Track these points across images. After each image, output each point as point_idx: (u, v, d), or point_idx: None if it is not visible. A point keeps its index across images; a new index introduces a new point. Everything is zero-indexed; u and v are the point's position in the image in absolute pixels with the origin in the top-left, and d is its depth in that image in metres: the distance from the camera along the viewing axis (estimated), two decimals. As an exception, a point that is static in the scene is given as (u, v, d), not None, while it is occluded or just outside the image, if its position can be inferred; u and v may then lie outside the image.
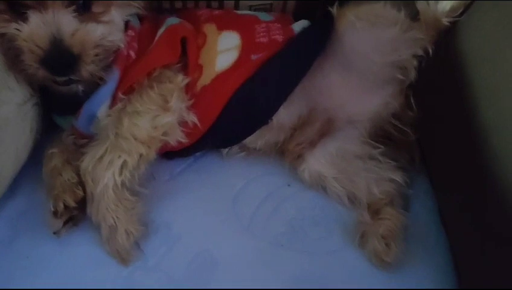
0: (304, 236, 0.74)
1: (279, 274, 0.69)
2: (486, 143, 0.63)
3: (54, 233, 0.67)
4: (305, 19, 0.84)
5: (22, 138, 0.69)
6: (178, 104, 0.70)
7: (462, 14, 0.76)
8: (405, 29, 0.76)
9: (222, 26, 0.78)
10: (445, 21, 0.76)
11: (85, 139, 0.74)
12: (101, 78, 0.68)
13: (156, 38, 0.74)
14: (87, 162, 0.67)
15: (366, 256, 0.71)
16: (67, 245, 0.68)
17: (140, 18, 0.77)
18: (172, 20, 0.77)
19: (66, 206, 0.66)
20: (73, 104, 0.70)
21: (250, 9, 0.87)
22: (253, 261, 0.70)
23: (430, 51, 0.76)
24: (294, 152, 0.80)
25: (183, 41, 0.74)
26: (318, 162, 0.79)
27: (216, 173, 0.80)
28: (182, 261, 0.68)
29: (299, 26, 0.81)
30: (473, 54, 0.71)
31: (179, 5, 0.86)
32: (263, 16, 0.83)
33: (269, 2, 0.87)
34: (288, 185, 0.80)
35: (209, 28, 0.78)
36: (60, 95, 0.69)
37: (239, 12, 0.85)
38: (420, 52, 0.76)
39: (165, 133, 0.69)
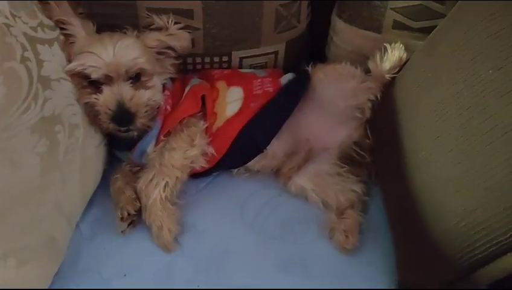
0: (291, 231, 1.03)
1: (273, 258, 0.98)
2: (416, 163, 0.92)
3: (121, 232, 1.00)
4: (291, 71, 1.16)
5: (98, 168, 1.03)
6: (201, 141, 1.02)
7: (398, 71, 1.07)
8: (361, 80, 1.08)
9: (230, 83, 1.10)
10: (388, 76, 1.08)
11: (137, 167, 1.07)
12: (149, 126, 1.01)
13: (184, 94, 1.06)
14: (141, 183, 0.99)
15: (334, 244, 1.01)
16: (130, 239, 1.00)
17: (172, 78, 1.10)
18: (195, 81, 1.09)
19: (128, 214, 0.99)
20: (130, 143, 1.03)
21: (250, 67, 1.18)
22: (255, 249, 1.00)
23: (379, 96, 1.07)
24: (287, 174, 1.11)
25: (203, 97, 1.06)
26: (301, 179, 1.10)
27: (228, 187, 1.11)
28: (206, 249, 0.99)
29: (286, 78, 1.13)
30: (403, 99, 1.01)
31: (198, 60, 1.17)
32: (259, 73, 1.15)
33: (264, 61, 1.18)
34: (280, 195, 1.11)
35: (221, 85, 1.10)
36: (121, 138, 1.01)
37: (242, 70, 1.16)
38: (372, 98, 1.08)
39: (192, 162, 1.02)
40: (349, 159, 1.12)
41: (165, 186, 0.98)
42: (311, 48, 1.27)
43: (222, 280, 0.95)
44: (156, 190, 0.98)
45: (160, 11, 1.05)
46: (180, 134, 1.01)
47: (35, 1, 0.95)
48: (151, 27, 1.06)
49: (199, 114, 1.05)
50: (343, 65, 1.10)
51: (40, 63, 0.88)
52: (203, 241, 1.01)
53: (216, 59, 1.15)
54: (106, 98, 0.95)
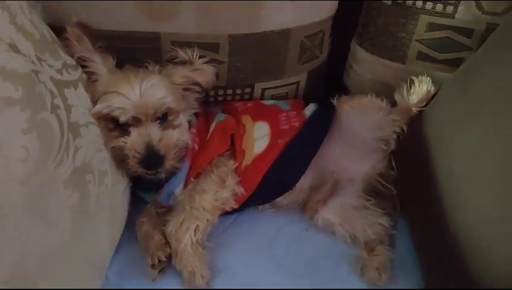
0: (320, 268, 1.02)
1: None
2: (454, 203, 0.92)
3: (152, 280, 0.96)
4: (311, 100, 1.14)
5: (124, 213, 0.98)
6: (232, 182, 0.99)
7: (426, 105, 1.06)
8: (387, 113, 1.07)
9: (256, 118, 1.07)
10: (415, 110, 1.07)
11: (163, 209, 1.03)
12: (177, 168, 0.97)
13: (211, 131, 1.03)
14: (171, 228, 0.95)
15: (365, 281, 1.01)
16: (160, 286, 0.96)
17: (195, 113, 1.05)
18: (220, 117, 1.05)
19: (159, 260, 0.95)
20: (157, 185, 0.99)
21: (271, 98, 1.15)
22: (279, 285, 0.97)
23: (405, 128, 1.07)
24: (313, 208, 1.09)
25: (232, 135, 1.02)
26: (328, 212, 1.08)
27: (254, 224, 1.09)
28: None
29: (309, 110, 1.11)
30: (434, 135, 1.01)
31: (221, 92, 1.13)
32: (283, 105, 1.12)
33: (286, 91, 1.15)
34: (306, 230, 1.09)
35: (246, 120, 1.07)
36: (148, 180, 0.97)
37: (265, 102, 1.13)
38: (398, 130, 1.07)
39: (223, 203, 0.98)
40: (374, 192, 1.11)
41: (195, 230, 0.95)
42: (329, 76, 1.25)
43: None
44: (186, 234, 0.94)
45: (184, 45, 1.00)
46: (210, 175, 0.98)
47: (56, 39, 0.89)
48: (175, 61, 1.02)
49: (228, 152, 1.02)
50: (370, 98, 1.09)
51: (68, 109, 0.83)
52: (234, 283, 0.98)
53: (238, 91, 1.12)
54: (134, 141, 0.91)
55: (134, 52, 1.01)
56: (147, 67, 1.01)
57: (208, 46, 1.01)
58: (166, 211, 1.02)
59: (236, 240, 1.05)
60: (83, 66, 0.93)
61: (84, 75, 0.92)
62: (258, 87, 1.12)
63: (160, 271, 0.96)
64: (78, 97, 0.87)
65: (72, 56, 0.91)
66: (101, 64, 0.94)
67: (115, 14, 0.95)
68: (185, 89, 1.01)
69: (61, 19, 0.93)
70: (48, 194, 0.75)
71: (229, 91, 1.12)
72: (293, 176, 1.05)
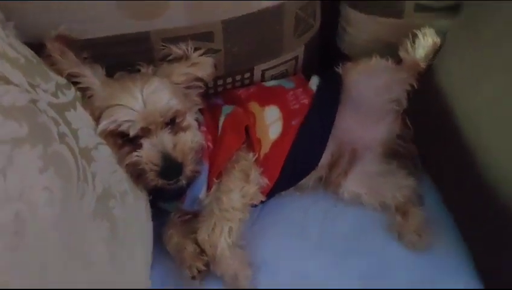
0: (359, 241, 1.00)
1: (354, 272, 0.95)
2: (466, 146, 0.91)
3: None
4: (310, 73, 1.09)
5: (150, 227, 0.91)
6: (255, 175, 0.94)
7: (433, 58, 1.03)
8: (394, 72, 1.03)
9: (263, 103, 1.01)
10: (423, 64, 1.04)
11: (188, 215, 0.97)
12: (197, 172, 0.90)
13: (220, 125, 0.96)
14: (203, 234, 0.90)
15: (406, 245, 0.99)
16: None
17: (200, 110, 0.99)
18: (227, 109, 0.99)
19: (198, 271, 0.90)
20: (178, 193, 0.92)
21: (271, 78, 1.09)
22: (333, 268, 0.96)
23: (415, 85, 1.04)
24: (335, 182, 1.05)
25: (246, 127, 0.96)
26: (352, 184, 1.05)
27: (281, 211, 1.05)
28: (285, 283, 0.93)
29: (313, 83, 1.06)
30: (448, 86, 0.98)
31: (220, 82, 1.06)
32: (286, 84, 1.06)
33: (285, 68, 1.09)
34: (335, 206, 1.06)
35: (254, 106, 1.01)
36: (169, 190, 0.90)
37: (267, 84, 1.07)
38: (408, 88, 1.04)
39: (251, 199, 0.93)
40: (393, 154, 1.09)
41: (229, 232, 0.90)
42: (323, 45, 1.19)
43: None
44: (221, 238, 0.89)
45: (177, 40, 0.92)
46: (232, 172, 0.92)
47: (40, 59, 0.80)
48: (169, 58, 0.94)
49: (244, 145, 0.96)
50: (374, 60, 1.04)
51: (75, 134, 0.75)
52: (279, 276, 0.95)
53: (238, 77, 1.05)
54: (149, 153, 0.84)
55: (123, 56, 0.92)
56: (139, 70, 0.93)
57: (201, 37, 0.94)
58: (192, 217, 0.97)
59: (267, 231, 1.01)
60: (74, 83, 0.84)
61: (78, 93, 0.83)
62: (258, 69, 1.05)
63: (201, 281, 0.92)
64: (80, 118, 0.79)
65: (60, 74, 0.82)
66: (92, 77, 0.86)
67: (96, 19, 0.86)
68: (187, 87, 0.93)
69: (38, 36, 0.83)
70: (80, 231, 0.69)
71: (229, 80, 1.05)
72: (314, 156, 1.01)
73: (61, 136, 0.70)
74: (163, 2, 0.87)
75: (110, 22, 0.88)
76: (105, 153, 0.81)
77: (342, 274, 0.95)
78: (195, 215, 0.96)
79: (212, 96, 1.06)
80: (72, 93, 0.81)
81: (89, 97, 0.85)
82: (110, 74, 0.90)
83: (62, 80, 0.81)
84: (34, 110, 0.67)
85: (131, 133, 0.83)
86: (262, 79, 1.08)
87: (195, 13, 0.90)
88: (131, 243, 0.81)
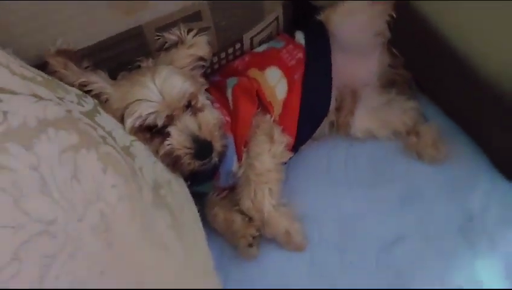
0: (385, 171, 1.06)
1: (381, 202, 1.01)
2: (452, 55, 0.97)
3: (255, 257, 0.94)
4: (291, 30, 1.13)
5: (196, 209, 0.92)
6: (278, 134, 0.97)
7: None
8: (372, 8, 1.08)
9: (261, 67, 1.04)
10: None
11: (225, 191, 1.00)
12: (225, 146, 0.92)
13: (230, 98, 0.99)
14: (247, 202, 0.93)
15: (427, 161, 1.05)
16: (263, 260, 0.96)
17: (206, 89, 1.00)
18: (231, 81, 1.01)
19: (253, 237, 0.93)
20: (211, 172, 0.94)
21: (259, 44, 1.12)
22: (363, 201, 1.02)
23: (393, 14, 1.09)
24: (344, 123, 1.10)
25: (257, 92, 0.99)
26: (361, 121, 1.10)
27: (306, 162, 1.09)
28: (334, 227, 0.99)
29: (300, 38, 1.10)
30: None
31: (215, 59, 1.08)
32: (276, 44, 1.09)
33: (269, 31, 1.12)
34: (352, 145, 1.11)
35: (254, 72, 1.03)
36: (202, 171, 0.91)
37: (259, 49, 1.10)
38: (388, 18, 1.09)
39: (281, 158, 0.97)
40: (390, 84, 1.14)
41: (270, 194, 0.93)
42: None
43: (366, 236, 0.97)
44: (264, 201, 0.93)
45: (168, 27, 0.93)
46: (256, 137, 0.95)
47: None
48: (165, 47, 0.95)
49: (259, 110, 0.99)
50: (350, 1, 1.09)
51: (112, 136, 0.76)
52: (325, 223, 1.00)
53: (230, 50, 1.07)
54: (179, 139, 0.85)
55: (121, 56, 0.93)
56: (139, 66, 0.93)
57: (190, 18, 0.95)
58: (229, 192, 0.99)
59: (300, 184, 1.06)
60: (86, 92, 0.84)
61: (95, 100, 0.84)
62: (246, 38, 1.08)
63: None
64: (109, 121, 0.80)
65: (72, 86, 0.82)
66: (101, 81, 0.86)
67: (89, 25, 0.86)
68: (191, 69, 0.95)
69: (37, 56, 0.83)
70: (150, 220, 0.70)
71: (222, 54, 1.07)
72: (323, 102, 1.06)
73: (103, 138, 0.71)
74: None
75: (103, 25, 0.88)
76: (140, 148, 0.82)
77: (380, 205, 1.01)
78: (232, 189, 0.99)
79: (210, 76, 1.07)
80: (90, 100, 0.81)
81: (105, 102, 0.85)
82: (112, 76, 0.90)
83: (78, 91, 0.81)
84: (73, 119, 0.68)
85: (159, 123, 0.84)
86: (252, 47, 1.11)
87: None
88: (190, 228, 0.83)
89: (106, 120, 0.79)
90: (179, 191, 0.85)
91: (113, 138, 0.75)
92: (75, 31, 0.86)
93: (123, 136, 0.79)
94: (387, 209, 1.01)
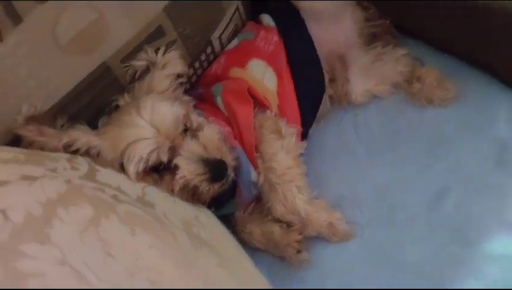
0: (398, 130, 1.00)
1: (406, 162, 0.95)
2: None
3: (307, 262, 0.87)
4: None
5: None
6: (285, 127, 0.89)
7: None
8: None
9: (241, 64, 0.96)
10: None
11: (250, 205, 0.92)
12: (237, 158, 0.84)
13: (222, 106, 0.90)
14: (278, 208, 0.86)
15: (438, 104, 1.00)
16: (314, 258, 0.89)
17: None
18: (217, 88, 0.92)
19: (298, 242, 0.86)
20: (230, 191, 0.86)
21: (230, 40, 1.03)
22: (389, 166, 0.96)
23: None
24: (343, 92, 1.03)
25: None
26: (358, 85, 1.03)
27: (318, 146, 1.02)
28: (370, 207, 0.92)
29: (268, 20, 1.02)
30: None
31: (190, 71, 0.99)
32: (247, 36, 1.01)
33: (234, 23, 1.04)
34: (357, 114, 1.05)
35: (236, 72, 0.95)
36: (224, 192, 0.83)
37: (231, 47, 1.01)
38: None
39: (296, 150, 0.89)
40: (372, 38, 1.08)
41: (299, 191, 0.86)
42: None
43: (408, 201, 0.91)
44: (296, 200, 0.85)
45: (133, 53, 0.84)
46: (264, 138, 0.88)
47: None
48: (137, 76, 0.86)
49: (256, 109, 0.90)
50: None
51: (121, 191, 0.67)
52: (361, 203, 0.93)
53: (203, 57, 0.99)
54: (190, 168, 0.77)
55: (95, 102, 0.83)
56: (117, 106, 0.84)
57: (153, 36, 0.86)
58: (254, 205, 0.92)
59: (319, 171, 0.97)
60: (74, 152, 0.75)
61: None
62: (215, 39, 0.99)
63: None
64: (111, 175, 0.70)
65: (56, 151, 0.72)
66: (85, 135, 0.77)
67: (51, 79, 0.76)
68: (173, 90, 0.86)
69: (6, 133, 0.74)
70: (199, 266, 0.62)
71: (196, 64, 0.98)
72: (317, 78, 0.99)
73: (115, 198, 0.63)
74: (103, 24, 0.78)
75: (65, 74, 0.78)
76: (154, 192, 0.73)
77: (409, 164, 0.95)
78: (258, 200, 0.91)
79: (190, 91, 0.98)
80: (83, 160, 0.71)
81: (97, 156, 0.76)
82: (92, 126, 0.81)
83: (66, 155, 0.71)
84: (76, 188, 0.59)
85: (164, 158, 0.75)
86: (223, 46, 1.02)
87: (135, 16, 0.82)
88: (235, 258, 0.75)
89: (108, 175, 0.70)
90: (208, 222, 0.77)
91: (124, 193, 0.66)
92: (38, 91, 0.75)
93: (133, 187, 0.71)
94: (417, 167, 0.95)
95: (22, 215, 0.49)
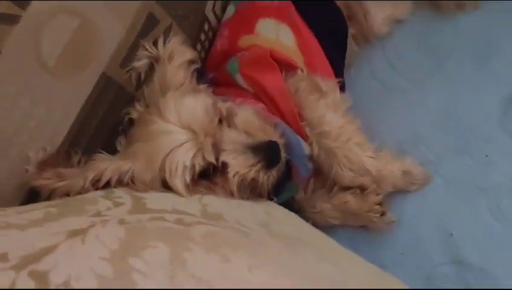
0: (428, 53, 0.89)
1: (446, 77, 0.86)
2: None
3: (394, 222, 0.77)
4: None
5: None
6: (322, 82, 0.78)
7: None
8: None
9: (248, 30, 0.83)
10: None
11: (309, 183, 0.81)
12: (283, 134, 0.73)
13: (242, 82, 0.78)
14: (345, 173, 0.75)
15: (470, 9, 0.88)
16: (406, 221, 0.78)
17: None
18: (232, 65, 0.79)
19: (379, 203, 0.75)
20: (285, 174, 0.74)
21: (224, 10, 0.90)
22: (430, 92, 0.86)
23: None
24: (366, 27, 0.92)
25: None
26: (378, 13, 0.93)
27: (357, 93, 0.87)
28: (439, 138, 0.82)
29: None
30: None
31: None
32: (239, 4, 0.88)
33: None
34: (384, 48, 0.94)
35: (245, 40, 0.83)
36: (281, 176, 0.72)
37: (228, 16, 0.88)
38: None
39: (343, 104, 0.78)
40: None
41: (361, 148, 0.75)
42: None
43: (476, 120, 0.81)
44: (363, 159, 0.75)
45: (131, 53, 0.72)
46: (304, 102, 0.76)
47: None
48: (143, 78, 0.74)
49: (283, 73, 0.78)
50: None
51: (182, 211, 0.56)
52: (428, 137, 0.83)
53: (202, 37, 0.86)
54: (240, 162, 0.66)
55: (107, 120, 0.71)
56: (132, 120, 0.72)
57: (147, 27, 0.73)
58: (315, 180, 0.81)
59: (370, 120, 0.85)
60: (104, 187, 0.63)
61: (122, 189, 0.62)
62: (209, 12, 0.86)
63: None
64: (160, 198, 0.59)
65: (87, 192, 0.60)
66: (110, 163, 0.65)
67: (53, 111, 0.64)
68: (190, 81, 0.74)
69: (20, 188, 0.62)
70: (301, 266, 0.51)
71: (198, 46, 0.86)
72: (336, 17, 0.89)
73: (180, 222, 0.51)
74: (87, 30, 0.65)
75: (64, 100, 0.65)
76: (215, 202, 0.62)
77: (458, 81, 0.85)
78: (316, 175, 0.80)
79: (199, 78, 0.86)
80: (121, 192, 0.60)
81: (132, 181, 0.64)
82: (111, 151, 0.69)
83: (99, 192, 0.59)
84: (135, 227, 0.47)
85: (210, 159, 0.64)
86: (219, 19, 0.90)
87: (123, 10, 0.69)
88: (326, 245, 0.64)
89: (158, 200, 0.58)
90: (281, 214, 0.66)
91: (185, 212, 0.55)
92: (41, 130, 0.63)
93: (189, 203, 0.60)
94: (471, 79, 0.84)
95: (93, 281, 0.38)
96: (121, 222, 0.48)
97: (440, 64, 0.87)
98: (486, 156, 0.78)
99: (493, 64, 0.83)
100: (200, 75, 0.86)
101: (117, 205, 0.54)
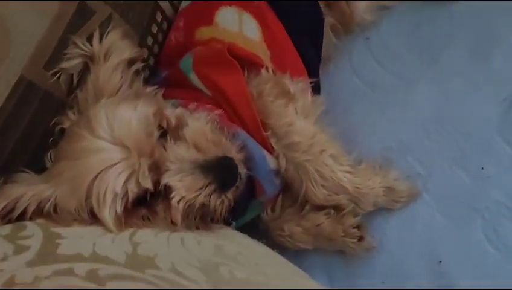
0: (416, 44, 0.80)
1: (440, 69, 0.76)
2: None
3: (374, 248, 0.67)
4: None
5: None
6: (290, 83, 0.67)
7: None
8: None
9: (207, 20, 0.72)
10: None
11: (276, 201, 0.71)
12: (242, 146, 0.61)
13: (198, 83, 0.66)
14: (318, 192, 0.65)
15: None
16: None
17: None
18: (185, 63, 0.68)
19: (357, 227, 0.65)
20: (249, 191, 0.64)
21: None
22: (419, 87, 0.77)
23: None
24: (346, 14, 0.82)
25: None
26: (359, 4, 0.81)
27: (334, 92, 0.80)
28: (435, 148, 0.72)
29: None
30: None
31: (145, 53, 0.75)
32: None
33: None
34: (367, 38, 0.83)
35: (202, 32, 0.72)
36: (241, 196, 0.61)
37: (186, 5, 0.77)
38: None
39: (314, 110, 0.68)
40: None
41: (335, 160, 0.65)
42: None
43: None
44: (337, 174, 0.65)
45: (58, 52, 0.60)
46: (269, 107, 0.65)
47: None
48: (75, 83, 0.62)
49: (245, 73, 0.67)
50: None
51: (106, 259, 0.44)
52: (415, 142, 0.74)
53: (154, 29, 0.75)
54: (187, 184, 0.55)
55: (32, 134, 0.60)
56: (62, 129, 0.61)
57: (78, 20, 0.61)
58: (283, 199, 0.71)
59: (346, 124, 0.76)
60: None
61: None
62: (164, 4, 0.75)
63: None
64: (82, 238, 0.48)
65: None
66: (28, 189, 0.53)
67: None
68: (129, 84, 0.62)
69: None
70: None
71: (149, 40, 0.74)
72: (311, 7, 0.76)
73: (91, 278, 0.40)
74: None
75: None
76: (147, 237, 0.50)
77: (451, 73, 0.76)
78: (284, 192, 0.70)
79: (152, 77, 0.75)
80: (32, 228, 0.48)
81: (55, 211, 0.53)
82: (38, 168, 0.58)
83: (6, 229, 0.48)
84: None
85: (148, 184, 0.53)
86: (175, 8, 0.78)
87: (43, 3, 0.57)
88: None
89: (77, 239, 0.47)
90: (238, 251, 0.55)
91: (106, 258, 0.43)
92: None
93: (117, 242, 0.48)
94: (468, 76, 0.75)
95: None
96: (9, 282, 0.37)
97: (432, 59, 0.77)
98: (483, 168, 0.68)
99: (493, 59, 0.73)
100: (152, 74, 0.76)
101: (19, 250, 0.43)
